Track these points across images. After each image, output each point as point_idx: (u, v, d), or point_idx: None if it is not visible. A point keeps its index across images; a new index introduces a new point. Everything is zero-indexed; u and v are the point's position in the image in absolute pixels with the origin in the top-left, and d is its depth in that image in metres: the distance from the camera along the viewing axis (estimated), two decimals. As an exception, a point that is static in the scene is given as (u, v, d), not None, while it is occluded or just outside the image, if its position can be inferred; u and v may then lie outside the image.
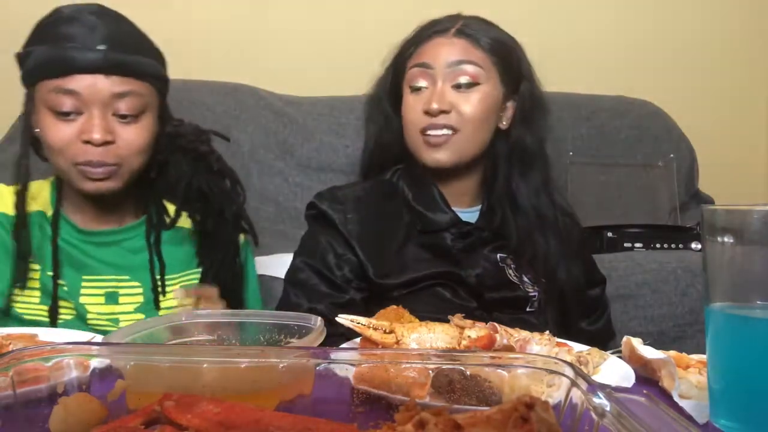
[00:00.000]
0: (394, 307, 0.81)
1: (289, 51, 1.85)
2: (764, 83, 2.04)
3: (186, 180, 1.14)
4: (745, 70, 2.02)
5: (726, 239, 0.53)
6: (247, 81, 1.68)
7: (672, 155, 1.73)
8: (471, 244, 1.12)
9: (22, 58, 1.03)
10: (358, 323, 0.72)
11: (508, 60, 1.15)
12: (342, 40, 1.83)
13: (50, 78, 0.98)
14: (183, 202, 1.14)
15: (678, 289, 1.42)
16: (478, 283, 1.10)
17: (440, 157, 1.11)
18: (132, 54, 1.01)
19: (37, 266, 1.05)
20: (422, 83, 1.12)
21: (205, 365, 0.49)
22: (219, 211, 1.15)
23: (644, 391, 0.40)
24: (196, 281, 1.13)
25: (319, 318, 0.68)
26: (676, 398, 0.62)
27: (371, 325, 0.72)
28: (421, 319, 0.77)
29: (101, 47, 0.97)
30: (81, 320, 1.04)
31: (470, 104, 1.10)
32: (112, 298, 1.06)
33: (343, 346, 0.76)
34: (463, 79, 1.10)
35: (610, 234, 1.52)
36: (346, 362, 0.51)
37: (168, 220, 1.13)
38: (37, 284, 1.05)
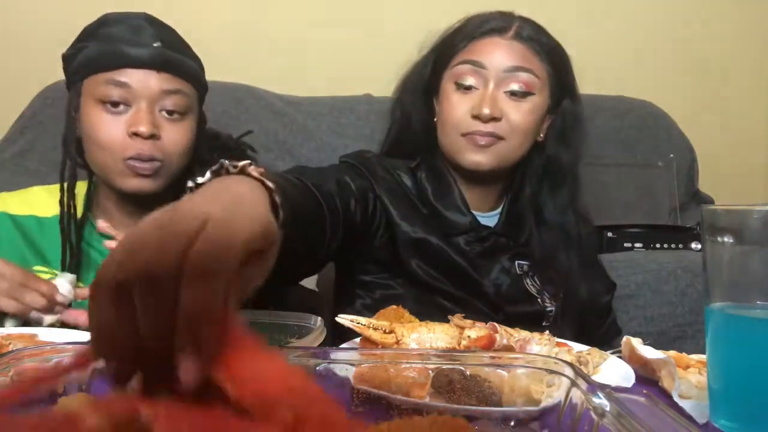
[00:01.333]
0: (394, 307, 0.81)
1: (289, 51, 1.84)
2: (764, 83, 2.04)
3: None
4: (745, 70, 2.02)
5: (726, 239, 0.53)
6: (247, 81, 1.68)
7: (672, 155, 1.72)
8: (488, 250, 1.08)
9: (69, 58, 1.05)
10: (358, 323, 0.72)
11: (560, 72, 1.10)
12: (342, 40, 1.83)
13: (102, 72, 1.00)
14: None
15: (678, 289, 1.42)
16: (496, 293, 1.06)
17: (481, 160, 1.03)
18: (182, 55, 1.05)
19: (55, 271, 1.05)
20: (472, 82, 1.05)
21: (205, 365, 0.49)
22: None
23: (644, 391, 0.40)
24: None
25: (319, 318, 0.68)
26: (676, 398, 0.62)
27: (371, 325, 0.72)
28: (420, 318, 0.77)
29: (156, 44, 1.01)
30: None
31: (521, 114, 1.04)
32: None
33: (343, 346, 0.76)
34: (518, 87, 1.04)
35: (610, 234, 1.52)
36: (346, 362, 0.51)
37: None
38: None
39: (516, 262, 1.10)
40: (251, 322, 0.71)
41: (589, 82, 1.77)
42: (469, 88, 1.05)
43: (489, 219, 1.13)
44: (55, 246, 1.07)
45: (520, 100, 1.04)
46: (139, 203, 1.07)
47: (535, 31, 1.08)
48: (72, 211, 1.07)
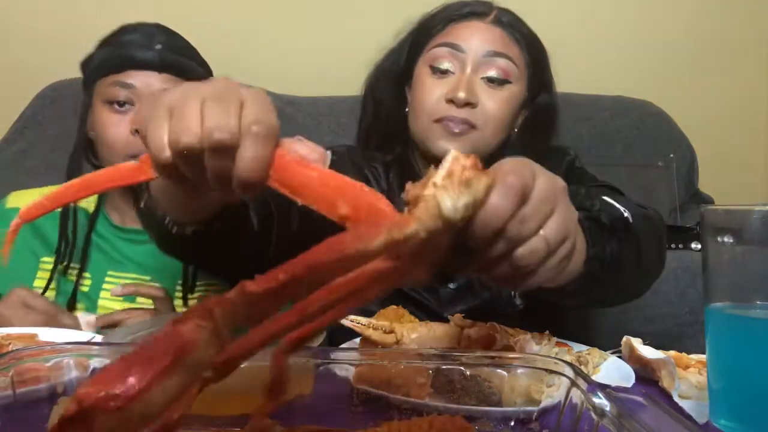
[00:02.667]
0: (394, 307, 0.81)
1: (289, 51, 1.84)
2: (764, 83, 2.04)
3: None
4: (744, 70, 2.02)
5: (726, 239, 0.54)
6: (247, 81, 1.68)
7: (672, 155, 1.72)
8: None
9: (85, 63, 1.13)
10: (358, 323, 0.72)
11: (538, 64, 1.07)
12: (342, 40, 1.83)
13: (110, 74, 1.07)
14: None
15: (678, 289, 1.42)
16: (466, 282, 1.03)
17: (454, 148, 0.99)
18: (185, 58, 1.11)
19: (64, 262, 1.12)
20: (448, 66, 1.00)
21: (204, 365, 0.49)
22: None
23: (644, 391, 0.40)
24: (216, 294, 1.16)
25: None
26: (676, 398, 0.62)
27: (371, 325, 0.72)
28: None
29: (158, 47, 1.08)
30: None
31: (496, 102, 0.99)
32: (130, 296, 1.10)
33: (343, 346, 0.76)
34: (496, 74, 0.99)
35: (610, 234, 1.51)
36: (346, 362, 0.51)
37: None
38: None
39: None
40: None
41: (589, 82, 1.78)
42: (445, 72, 1.01)
43: None
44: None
45: (497, 88, 1.00)
46: None
47: (514, 20, 1.05)
48: (72, 204, 1.13)
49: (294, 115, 1.67)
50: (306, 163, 0.45)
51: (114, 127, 1.06)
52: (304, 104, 1.70)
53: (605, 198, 0.72)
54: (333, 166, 1.05)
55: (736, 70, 2.01)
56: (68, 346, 0.51)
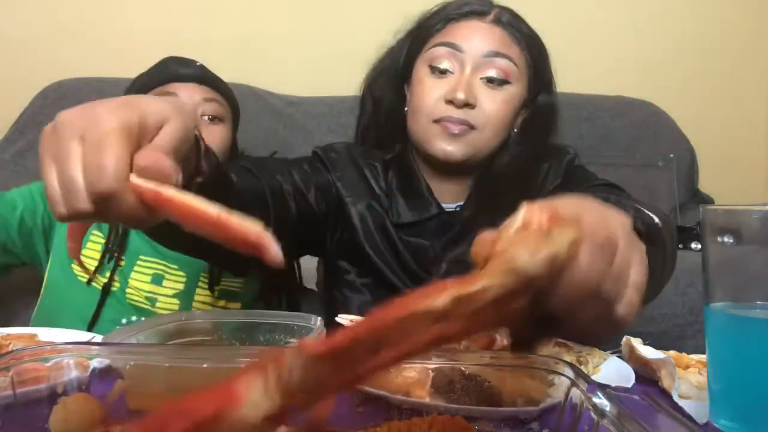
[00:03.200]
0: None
1: (289, 51, 1.84)
2: (764, 83, 2.04)
3: None
4: (745, 70, 2.02)
5: (726, 239, 0.53)
6: (247, 81, 1.68)
7: (672, 155, 1.73)
8: (451, 238, 1.02)
9: (128, 90, 1.22)
10: (358, 323, 0.72)
11: (538, 63, 1.06)
12: (341, 40, 1.83)
13: (155, 87, 1.17)
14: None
15: (678, 289, 1.42)
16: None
17: (453, 149, 0.98)
18: (218, 79, 1.24)
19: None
20: (447, 65, 1.00)
21: (204, 365, 0.49)
22: None
23: (644, 391, 0.40)
24: (236, 289, 1.23)
25: (319, 318, 0.68)
26: (676, 398, 0.62)
27: (371, 325, 0.71)
28: None
29: (197, 64, 1.21)
30: (122, 292, 1.17)
31: (496, 103, 0.99)
32: (157, 279, 1.19)
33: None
34: (495, 74, 0.99)
35: (610, 234, 1.51)
36: (346, 362, 0.51)
37: None
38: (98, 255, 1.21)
39: None
40: (252, 323, 0.71)
41: (589, 82, 1.78)
42: (444, 72, 1.00)
43: (456, 215, 1.06)
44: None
45: (496, 89, 0.99)
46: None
47: (514, 18, 1.05)
48: None
49: (294, 115, 1.67)
50: (159, 194, 0.43)
51: None
52: (304, 104, 1.70)
53: (637, 206, 0.71)
54: (333, 162, 1.06)
55: (737, 70, 2.01)
56: (68, 346, 0.50)
